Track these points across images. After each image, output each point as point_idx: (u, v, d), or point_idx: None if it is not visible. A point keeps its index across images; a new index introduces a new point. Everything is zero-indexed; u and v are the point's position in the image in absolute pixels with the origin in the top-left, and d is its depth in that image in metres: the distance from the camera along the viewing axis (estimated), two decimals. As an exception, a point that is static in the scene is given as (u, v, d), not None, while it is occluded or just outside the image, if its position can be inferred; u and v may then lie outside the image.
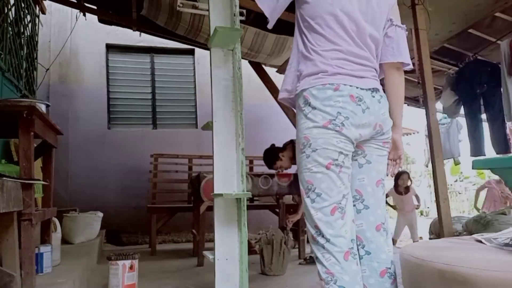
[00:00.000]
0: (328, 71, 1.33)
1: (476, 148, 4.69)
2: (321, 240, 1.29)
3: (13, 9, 3.27)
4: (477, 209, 5.61)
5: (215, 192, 1.68)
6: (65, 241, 3.31)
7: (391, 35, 1.47)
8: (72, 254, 2.78)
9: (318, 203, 1.31)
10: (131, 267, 2.29)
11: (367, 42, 1.40)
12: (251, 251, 2.55)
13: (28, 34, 3.74)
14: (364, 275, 1.36)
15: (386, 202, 3.99)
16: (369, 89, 1.36)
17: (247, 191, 1.69)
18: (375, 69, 1.43)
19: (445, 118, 5.69)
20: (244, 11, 3.63)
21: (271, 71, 5.10)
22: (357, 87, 1.33)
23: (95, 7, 4.55)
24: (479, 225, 3.01)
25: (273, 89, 5.10)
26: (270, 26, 1.51)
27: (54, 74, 5.54)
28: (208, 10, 1.79)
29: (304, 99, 1.35)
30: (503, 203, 5.38)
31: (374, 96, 1.37)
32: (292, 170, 4.65)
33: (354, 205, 1.40)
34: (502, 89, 4.07)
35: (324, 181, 1.31)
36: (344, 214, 1.31)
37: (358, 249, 1.38)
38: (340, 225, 1.29)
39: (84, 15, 4.55)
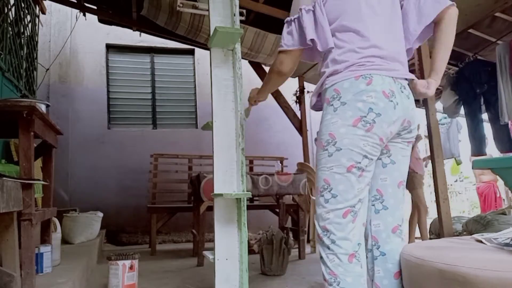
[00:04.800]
0: (360, 63, 1.29)
1: (477, 148, 4.69)
2: (326, 241, 1.28)
3: (13, 9, 3.27)
4: None
5: (215, 192, 1.68)
6: (65, 241, 3.31)
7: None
8: (72, 254, 2.78)
9: (331, 204, 1.28)
10: (131, 267, 2.29)
11: (395, 32, 1.39)
12: (250, 251, 2.55)
13: (28, 34, 3.74)
14: (378, 276, 1.36)
15: None
16: (400, 83, 1.32)
17: (247, 191, 1.69)
18: (404, 62, 1.40)
19: (445, 118, 5.70)
20: (244, 11, 3.65)
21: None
22: (389, 81, 1.29)
23: (95, 7, 4.55)
24: (479, 225, 3.01)
25: (273, 89, 5.09)
26: (321, 48, 1.38)
27: (54, 74, 5.55)
28: (208, 10, 1.79)
29: (334, 93, 1.30)
30: None
31: (402, 92, 1.32)
32: (292, 170, 4.67)
33: (373, 205, 1.39)
34: (498, 91, 4.09)
35: (342, 182, 1.27)
36: (355, 218, 1.28)
37: (373, 250, 1.38)
38: (350, 228, 1.27)
39: (84, 15, 4.56)
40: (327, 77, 1.34)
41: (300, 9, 1.37)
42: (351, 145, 1.25)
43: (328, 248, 1.27)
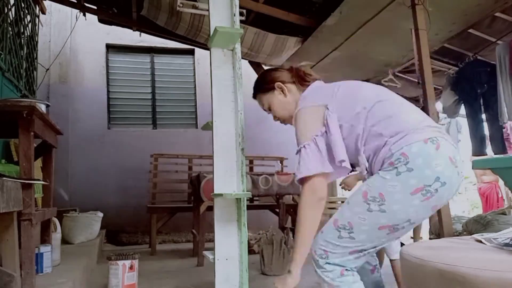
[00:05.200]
0: (420, 128, 1.22)
1: (477, 148, 4.69)
2: (321, 262, 1.26)
3: (13, 9, 3.27)
4: None
5: (215, 192, 1.68)
6: (65, 241, 3.31)
7: None
8: (72, 254, 2.78)
9: (343, 243, 1.24)
10: (131, 267, 2.29)
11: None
12: (250, 251, 2.55)
13: (28, 34, 3.74)
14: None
15: None
16: (456, 148, 1.27)
17: (247, 191, 1.69)
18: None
19: (445, 118, 5.69)
20: (244, 11, 3.65)
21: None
22: (451, 147, 1.22)
23: (95, 7, 4.55)
24: (479, 225, 3.00)
25: (273, 89, 5.10)
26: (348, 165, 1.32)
27: (54, 74, 5.55)
28: (208, 10, 1.79)
29: (401, 157, 1.18)
30: None
31: (459, 157, 1.28)
32: (292, 170, 4.66)
33: None
34: (497, 92, 4.10)
35: (367, 234, 1.22)
36: (360, 258, 1.27)
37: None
38: (351, 262, 1.26)
39: (84, 15, 4.55)
40: (391, 146, 1.23)
41: (316, 136, 1.32)
42: (399, 212, 1.18)
43: (320, 267, 1.27)
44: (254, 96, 1.65)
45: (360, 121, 1.29)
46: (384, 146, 1.24)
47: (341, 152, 1.28)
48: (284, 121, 1.62)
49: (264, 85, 1.59)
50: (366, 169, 1.31)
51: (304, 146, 1.33)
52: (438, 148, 1.18)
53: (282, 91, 1.54)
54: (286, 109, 1.55)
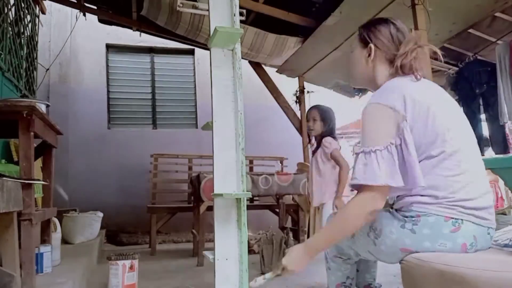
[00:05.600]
0: (460, 204, 1.16)
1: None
2: None
3: (13, 9, 3.27)
4: None
5: (215, 192, 1.67)
6: (65, 241, 3.31)
7: None
8: (72, 254, 2.78)
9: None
10: (131, 267, 2.29)
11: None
12: (250, 251, 2.55)
13: (28, 34, 3.74)
14: None
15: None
16: (488, 227, 1.21)
17: (247, 191, 1.69)
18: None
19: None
20: (244, 11, 3.65)
21: (271, 71, 5.10)
22: (478, 228, 1.17)
23: (95, 7, 4.55)
24: (479, 225, 3.01)
25: (273, 89, 5.10)
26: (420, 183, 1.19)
27: (54, 74, 5.55)
28: (208, 10, 1.79)
29: (414, 217, 1.18)
30: None
31: (489, 233, 1.22)
32: (292, 170, 4.66)
33: None
34: (497, 91, 4.10)
35: (360, 249, 1.38)
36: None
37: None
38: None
39: (84, 15, 4.56)
40: (415, 204, 1.21)
41: (391, 144, 1.18)
42: (384, 253, 1.25)
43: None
44: (359, 28, 1.47)
45: (424, 158, 1.19)
46: (412, 196, 1.20)
47: (420, 175, 1.16)
48: (349, 76, 1.50)
49: (365, 33, 1.41)
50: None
51: (374, 151, 1.17)
52: (453, 231, 1.15)
53: (369, 55, 1.38)
54: (356, 71, 1.44)
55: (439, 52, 1.35)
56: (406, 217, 1.20)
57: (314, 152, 2.86)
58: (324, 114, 2.81)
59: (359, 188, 1.19)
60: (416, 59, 1.30)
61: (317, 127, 2.79)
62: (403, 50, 1.30)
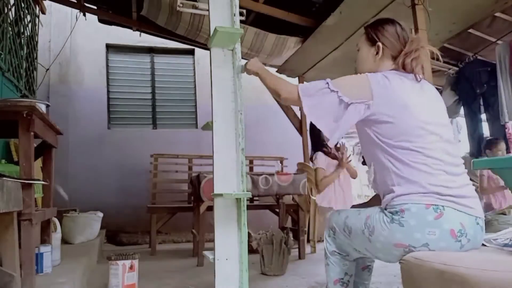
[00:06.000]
0: (438, 190, 1.23)
1: (476, 148, 4.69)
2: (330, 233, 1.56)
3: (13, 9, 3.27)
4: None
5: (215, 192, 1.68)
6: (65, 241, 3.31)
7: None
8: (72, 254, 2.78)
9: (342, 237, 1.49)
10: (131, 267, 2.29)
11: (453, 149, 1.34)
12: (248, 245, 2.55)
13: (28, 34, 3.75)
14: None
15: None
16: (475, 216, 1.25)
17: (247, 191, 1.69)
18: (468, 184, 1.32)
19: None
20: (244, 11, 3.65)
21: (271, 71, 5.10)
22: (463, 216, 1.22)
23: (95, 7, 4.55)
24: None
25: (273, 89, 5.09)
26: (331, 144, 1.44)
27: (54, 74, 5.55)
28: (208, 10, 1.79)
29: (399, 212, 1.25)
30: None
31: (478, 223, 1.25)
32: (292, 170, 4.66)
33: None
34: (498, 91, 4.10)
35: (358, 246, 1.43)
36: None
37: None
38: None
39: (84, 15, 4.56)
40: (395, 198, 1.31)
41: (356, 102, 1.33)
42: (379, 250, 1.31)
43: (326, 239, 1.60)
44: (365, 27, 1.57)
45: (400, 143, 1.29)
46: (390, 193, 1.30)
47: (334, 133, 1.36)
48: (355, 72, 1.56)
49: (372, 33, 1.50)
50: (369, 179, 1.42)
51: (336, 91, 1.35)
52: (437, 218, 1.20)
53: (377, 53, 1.48)
54: (364, 68, 1.51)
55: (439, 54, 1.43)
56: (392, 213, 1.27)
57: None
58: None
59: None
60: (417, 58, 1.40)
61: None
62: (408, 49, 1.41)
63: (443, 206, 1.20)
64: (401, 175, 1.28)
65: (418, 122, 1.29)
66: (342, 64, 4.51)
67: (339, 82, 1.39)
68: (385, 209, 1.32)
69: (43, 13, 4.17)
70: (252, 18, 4.05)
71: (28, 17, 3.76)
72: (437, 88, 1.44)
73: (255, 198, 4.55)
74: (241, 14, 3.32)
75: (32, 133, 1.76)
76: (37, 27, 4.04)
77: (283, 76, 5.16)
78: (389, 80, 1.34)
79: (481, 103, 4.65)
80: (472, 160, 1.70)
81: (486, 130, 4.73)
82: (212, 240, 1.68)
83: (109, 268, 2.29)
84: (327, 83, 1.38)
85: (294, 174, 3.60)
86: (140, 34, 4.89)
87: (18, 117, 1.71)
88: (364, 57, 1.51)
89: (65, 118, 5.38)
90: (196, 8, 3.45)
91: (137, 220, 5.26)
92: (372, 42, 1.49)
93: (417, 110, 1.30)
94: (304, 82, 1.41)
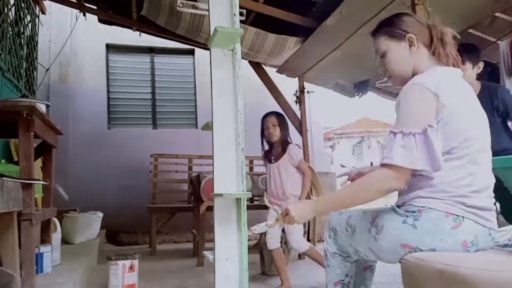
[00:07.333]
0: (459, 200, 1.17)
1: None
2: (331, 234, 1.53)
3: (13, 9, 3.28)
4: None
5: (215, 192, 1.68)
6: (65, 241, 3.32)
7: None
8: (72, 254, 2.78)
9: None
10: (131, 267, 2.29)
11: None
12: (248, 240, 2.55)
13: (28, 34, 3.75)
14: None
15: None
16: (490, 228, 1.21)
17: (247, 191, 1.69)
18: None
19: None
20: (244, 11, 3.63)
21: (271, 71, 5.10)
22: (479, 227, 1.18)
23: (95, 7, 4.55)
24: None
25: (273, 89, 5.10)
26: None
27: (54, 74, 5.55)
28: (208, 10, 1.79)
29: (416, 212, 1.20)
30: None
31: (490, 234, 1.23)
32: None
33: None
34: None
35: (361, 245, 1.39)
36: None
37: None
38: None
39: (84, 15, 4.55)
40: (417, 198, 1.24)
41: (430, 127, 1.15)
42: (385, 250, 1.26)
43: (326, 239, 1.56)
44: (373, 34, 1.43)
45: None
46: (411, 192, 1.24)
47: (441, 159, 1.15)
48: (390, 77, 1.43)
49: (394, 29, 1.36)
50: None
51: (413, 134, 1.14)
52: (454, 228, 1.16)
53: (411, 46, 1.34)
54: (402, 68, 1.37)
55: (458, 37, 1.35)
56: (408, 211, 1.22)
57: (276, 157, 2.91)
58: (283, 121, 2.95)
59: (387, 166, 1.17)
60: (453, 46, 1.32)
61: (277, 133, 2.90)
62: (439, 35, 1.32)
63: (463, 217, 1.17)
64: (428, 178, 1.20)
65: (463, 129, 1.19)
66: (342, 64, 4.51)
67: (412, 113, 1.18)
68: (398, 207, 1.27)
69: (43, 13, 4.17)
70: (252, 18, 4.05)
71: (28, 17, 3.76)
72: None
73: (255, 198, 4.55)
74: (241, 14, 3.31)
75: (32, 133, 1.76)
76: (37, 27, 4.04)
77: (283, 76, 5.17)
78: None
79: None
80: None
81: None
82: (212, 240, 1.68)
83: (109, 268, 2.29)
84: (409, 135, 1.15)
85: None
86: (140, 34, 4.88)
87: (18, 117, 1.71)
88: (399, 55, 1.36)
89: (65, 118, 5.38)
90: (196, 8, 3.44)
91: (137, 220, 5.26)
92: (399, 37, 1.35)
93: (463, 117, 1.20)
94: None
